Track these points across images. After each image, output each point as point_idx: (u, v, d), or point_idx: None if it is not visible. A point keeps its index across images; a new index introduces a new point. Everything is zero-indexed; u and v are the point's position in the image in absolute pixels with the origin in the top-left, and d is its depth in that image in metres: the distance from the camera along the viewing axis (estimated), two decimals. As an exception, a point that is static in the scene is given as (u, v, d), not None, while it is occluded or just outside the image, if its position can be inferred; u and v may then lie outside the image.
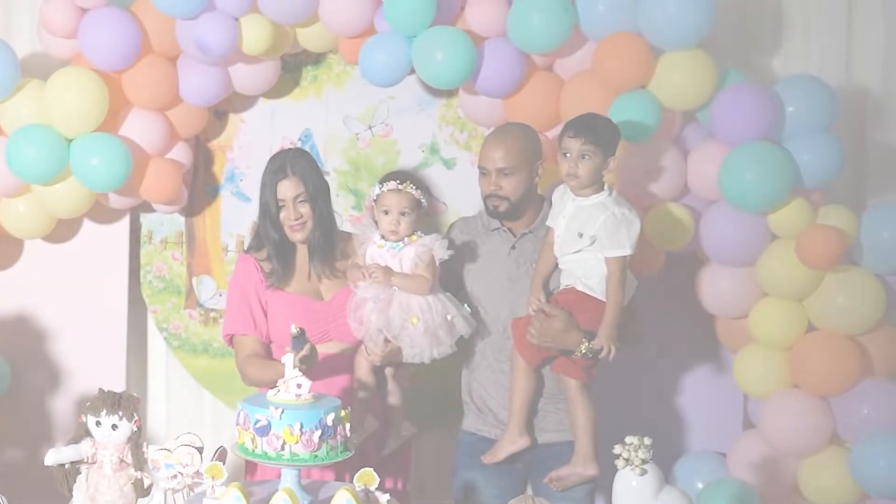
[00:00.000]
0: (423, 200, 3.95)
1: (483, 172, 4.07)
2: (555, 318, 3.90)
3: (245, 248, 4.29)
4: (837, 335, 4.36)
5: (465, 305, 4.05)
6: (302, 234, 4.04)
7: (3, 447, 4.65)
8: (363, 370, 3.99)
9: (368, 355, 3.96)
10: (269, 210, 4.03)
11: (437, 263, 3.92)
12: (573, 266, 3.94)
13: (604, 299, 3.89)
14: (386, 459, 4.04)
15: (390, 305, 3.89)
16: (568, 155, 3.88)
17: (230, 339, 4.11)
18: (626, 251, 3.85)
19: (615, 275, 3.86)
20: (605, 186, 3.92)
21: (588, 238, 3.86)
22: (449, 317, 3.92)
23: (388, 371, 4.07)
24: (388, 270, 3.91)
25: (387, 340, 3.91)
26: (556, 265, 4.01)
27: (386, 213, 3.93)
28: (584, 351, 3.90)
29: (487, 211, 4.11)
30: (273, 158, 4.09)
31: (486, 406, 4.16)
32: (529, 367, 4.01)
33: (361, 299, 3.92)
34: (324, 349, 3.95)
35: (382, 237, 3.96)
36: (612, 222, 3.85)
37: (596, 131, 3.87)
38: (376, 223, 3.99)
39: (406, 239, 3.93)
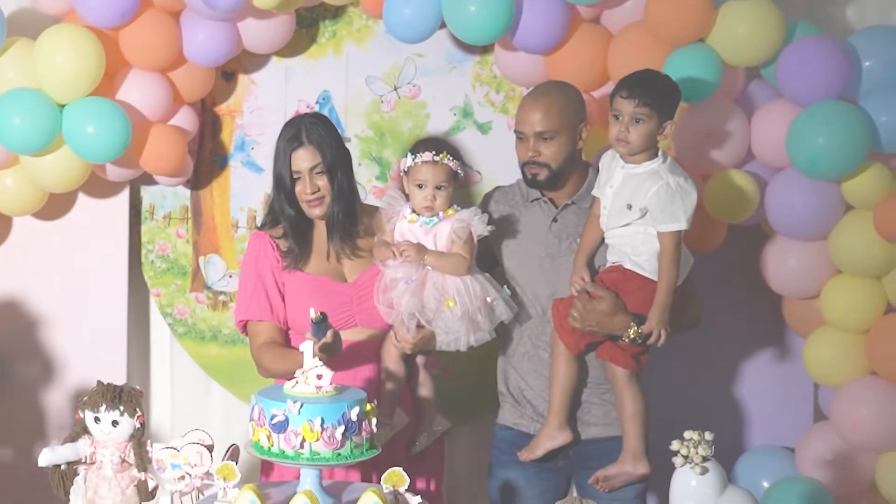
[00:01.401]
0: (460, 172, 3.93)
1: (520, 137, 4.05)
2: (600, 300, 3.88)
3: (258, 224, 4.27)
4: None
5: (505, 287, 4.03)
6: (320, 210, 4.02)
7: (-7, 446, 4.68)
8: (392, 359, 3.98)
9: (398, 342, 3.94)
10: (284, 183, 4.01)
11: (476, 240, 3.90)
12: (621, 241, 3.91)
13: (655, 278, 3.87)
14: (417, 458, 4.02)
15: (424, 287, 3.87)
16: (619, 118, 3.84)
17: (244, 326, 4.09)
18: (681, 225, 3.82)
19: (668, 251, 3.83)
20: (660, 152, 3.88)
21: (638, 210, 3.83)
22: (488, 299, 3.90)
23: (420, 360, 4.05)
24: (420, 248, 3.88)
25: (419, 326, 3.90)
26: (602, 240, 3.98)
27: (420, 187, 3.90)
28: (632, 336, 3.88)
29: (525, 180, 4.09)
30: (287, 125, 4.07)
31: (523, 397, 4.14)
32: (571, 354, 3.99)
33: (391, 280, 3.89)
34: (348, 336, 3.93)
35: (414, 211, 3.94)
36: (666, 193, 3.82)
37: (653, 91, 3.83)
38: (405, 195, 3.96)
39: (441, 213, 3.92)
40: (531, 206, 4.13)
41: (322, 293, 4.00)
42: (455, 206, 3.95)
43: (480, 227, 3.89)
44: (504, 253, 4.14)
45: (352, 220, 4.06)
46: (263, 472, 4.06)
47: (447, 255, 3.88)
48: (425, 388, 4.07)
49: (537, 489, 4.11)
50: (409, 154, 3.97)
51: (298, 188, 4.00)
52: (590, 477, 4.03)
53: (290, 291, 4.04)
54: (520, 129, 4.04)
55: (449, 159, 3.90)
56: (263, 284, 4.03)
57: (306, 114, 4.22)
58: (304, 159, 3.98)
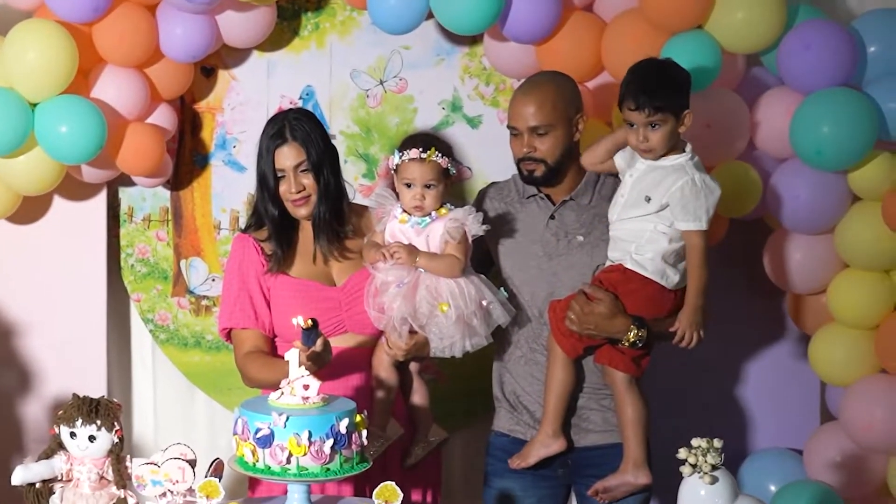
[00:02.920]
0: (451, 168, 3.86)
1: (514, 133, 4.00)
2: (598, 302, 3.82)
3: (241, 226, 4.19)
4: None
5: (502, 289, 3.97)
6: (306, 210, 3.94)
7: (-34, 461, 4.62)
8: (384, 366, 3.91)
9: (390, 349, 3.87)
10: (267, 182, 3.94)
11: (471, 241, 3.84)
12: (626, 234, 3.85)
13: (657, 279, 3.82)
14: (412, 469, 3.96)
15: (416, 291, 3.79)
16: (634, 126, 3.81)
17: (227, 334, 4.03)
18: (701, 225, 3.77)
19: (697, 249, 3.78)
20: (688, 147, 3.85)
21: (657, 204, 3.78)
22: (484, 302, 3.83)
23: (413, 367, 3.98)
24: (412, 250, 3.81)
25: (412, 332, 3.82)
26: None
27: (409, 186, 3.84)
28: (632, 339, 3.82)
29: (522, 177, 4.04)
30: (270, 121, 4.00)
31: (519, 403, 4.09)
32: (568, 358, 3.93)
33: (382, 284, 3.82)
34: (337, 342, 3.87)
35: (405, 211, 3.87)
36: (691, 190, 3.77)
37: (661, 95, 3.77)
38: (396, 193, 3.90)
39: (433, 213, 3.85)
40: (527, 202, 4.07)
41: (309, 298, 3.93)
42: (448, 204, 3.88)
43: (475, 227, 3.83)
44: (500, 252, 4.08)
45: (339, 221, 3.99)
46: (250, 487, 3.99)
47: (440, 257, 3.81)
48: (419, 397, 4.00)
49: (534, 498, 4.06)
50: (396, 151, 3.92)
51: (283, 187, 3.93)
52: (590, 486, 3.98)
53: (275, 297, 3.96)
54: (513, 125, 3.98)
55: (438, 156, 3.84)
56: (248, 290, 3.96)
57: (290, 109, 4.16)
58: (288, 157, 3.91)
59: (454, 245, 3.80)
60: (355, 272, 3.96)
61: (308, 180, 3.91)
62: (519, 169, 4.01)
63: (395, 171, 3.88)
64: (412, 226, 3.85)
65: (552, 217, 4.01)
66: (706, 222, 3.76)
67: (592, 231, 3.98)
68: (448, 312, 3.77)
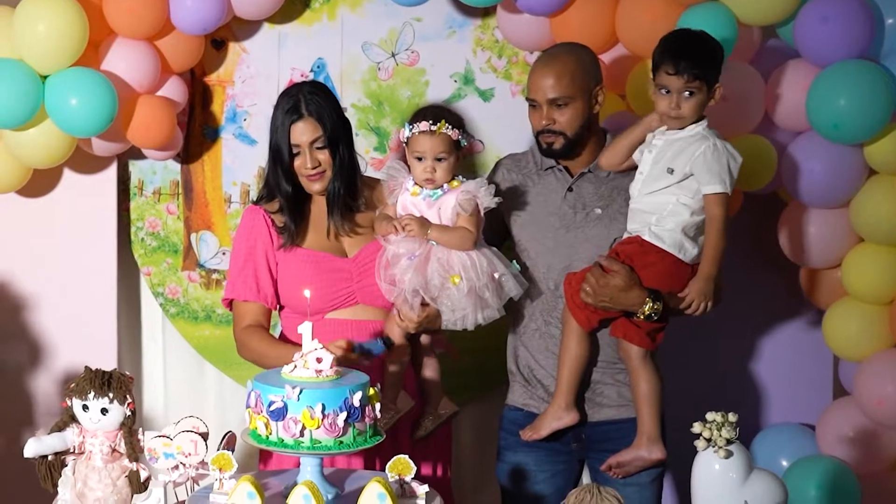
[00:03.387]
0: (462, 140, 3.84)
1: (533, 105, 3.97)
2: (614, 275, 3.79)
3: (252, 198, 4.16)
4: None
5: (514, 262, 3.95)
6: (320, 185, 3.92)
7: (-23, 435, 4.63)
8: (396, 338, 3.87)
9: (401, 321, 3.84)
10: (282, 157, 3.91)
11: (483, 213, 3.82)
12: (648, 206, 3.83)
13: (674, 252, 3.80)
14: (422, 442, 3.95)
15: (427, 263, 3.78)
16: (667, 91, 3.77)
17: (230, 304, 4.04)
18: (726, 188, 3.75)
19: (716, 217, 3.75)
20: (705, 117, 3.83)
21: (680, 173, 3.76)
22: (496, 275, 3.81)
23: (424, 339, 3.96)
24: (424, 222, 3.80)
25: (423, 304, 3.81)
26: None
27: (419, 159, 3.82)
28: (647, 312, 3.80)
29: (541, 150, 4.01)
30: (284, 95, 3.97)
31: (533, 377, 4.07)
32: (583, 331, 3.91)
33: (393, 256, 3.81)
34: (348, 314, 3.91)
35: (416, 183, 3.85)
36: (713, 154, 3.75)
37: (700, 61, 3.75)
38: (408, 166, 3.88)
39: (445, 185, 3.83)
40: (545, 174, 4.04)
41: (320, 269, 3.92)
42: (460, 177, 3.86)
43: (487, 200, 3.81)
44: (515, 224, 4.06)
45: (353, 195, 3.98)
46: (262, 460, 3.99)
47: (452, 230, 3.79)
48: (430, 370, 3.98)
49: (548, 472, 4.04)
50: (406, 124, 3.90)
51: (298, 162, 3.91)
52: (603, 461, 3.97)
53: (287, 268, 3.95)
54: (532, 97, 3.95)
55: (448, 128, 3.81)
56: (253, 262, 3.96)
57: (304, 82, 4.12)
58: (304, 132, 3.88)
59: (466, 217, 3.78)
60: (367, 244, 3.94)
61: (324, 156, 3.89)
62: (538, 141, 3.99)
63: (406, 143, 3.86)
64: (424, 198, 3.83)
65: (570, 189, 3.99)
66: (730, 186, 3.74)
67: (611, 204, 3.95)
68: (460, 285, 3.75)
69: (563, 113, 3.90)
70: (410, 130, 3.83)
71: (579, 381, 3.94)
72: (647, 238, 3.80)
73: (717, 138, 3.77)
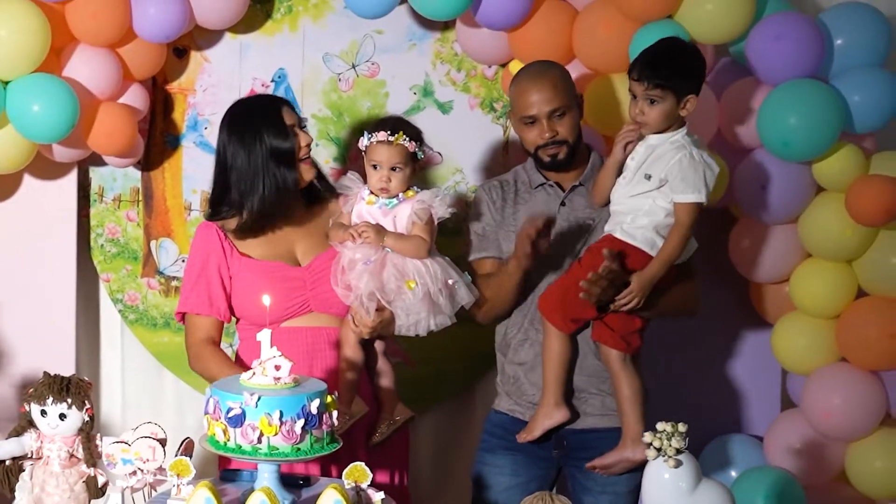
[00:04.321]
0: (418, 153, 3.84)
1: (528, 122, 3.95)
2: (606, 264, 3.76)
3: (206, 215, 4.11)
4: (890, 301, 4.34)
5: (466, 273, 3.94)
6: (313, 171, 3.94)
7: (-66, 439, 4.58)
8: (349, 344, 3.88)
9: (356, 327, 3.84)
10: (281, 145, 3.85)
11: (437, 223, 3.83)
12: (624, 208, 3.84)
13: (644, 248, 3.80)
14: (379, 449, 3.94)
15: (384, 268, 3.78)
16: (635, 98, 3.80)
17: (182, 317, 4.01)
18: (700, 197, 3.76)
19: (682, 224, 3.76)
20: (685, 124, 3.84)
21: (657, 180, 3.77)
22: (450, 282, 3.82)
23: (379, 346, 3.97)
24: (380, 229, 3.80)
25: (378, 309, 3.80)
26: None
27: (375, 167, 3.83)
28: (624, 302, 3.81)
29: (542, 164, 4.00)
30: (244, 104, 3.99)
31: (520, 388, 4.06)
32: (563, 333, 3.91)
33: (349, 262, 3.80)
34: (302, 322, 3.90)
35: (372, 192, 3.85)
36: (689, 162, 3.76)
37: (664, 72, 3.75)
38: (364, 176, 3.88)
39: (401, 195, 3.84)
40: (535, 192, 4.04)
41: (275, 278, 3.90)
42: (415, 187, 3.87)
43: (442, 210, 3.82)
44: (508, 240, 4.03)
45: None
46: (221, 464, 3.92)
47: (407, 238, 3.80)
48: (385, 376, 3.98)
49: (524, 478, 4.02)
50: (365, 133, 3.89)
51: (303, 142, 3.89)
52: (582, 468, 3.97)
53: (241, 279, 3.93)
54: (527, 114, 3.93)
55: (405, 140, 3.81)
56: (206, 277, 3.93)
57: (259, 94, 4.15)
58: (291, 115, 3.91)
59: (421, 226, 3.79)
60: (320, 253, 3.94)
61: (308, 135, 3.93)
62: (537, 157, 3.97)
63: (364, 152, 3.86)
64: (379, 207, 3.83)
65: (563, 204, 4.00)
66: (705, 196, 3.75)
67: (601, 213, 3.95)
68: (415, 290, 3.75)
69: (562, 123, 3.91)
70: (368, 139, 3.83)
71: (565, 380, 3.93)
72: (618, 236, 3.81)
73: (694, 147, 3.78)
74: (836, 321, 4.38)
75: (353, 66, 4.72)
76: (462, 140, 4.69)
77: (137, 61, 4.46)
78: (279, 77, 4.69)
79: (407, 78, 4.72)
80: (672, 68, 3.75)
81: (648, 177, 3.77)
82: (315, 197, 4.00)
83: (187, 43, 4.65)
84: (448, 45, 4.71)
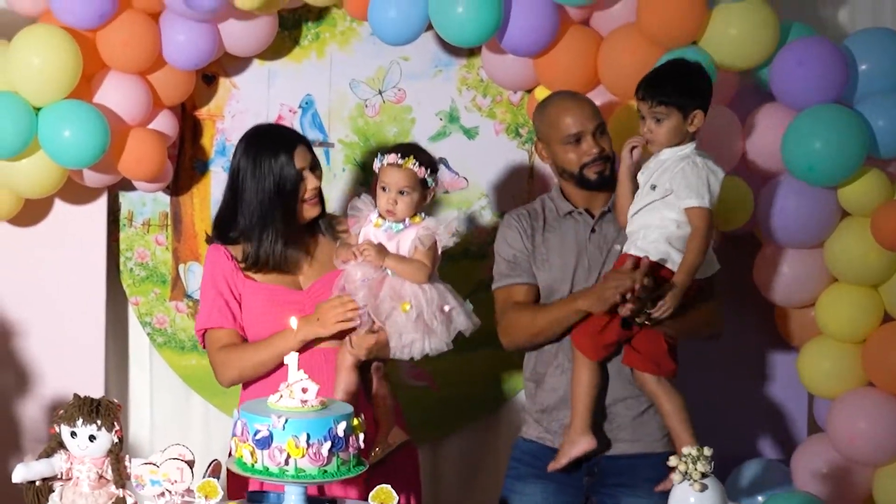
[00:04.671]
0: (428, 180, 3.85)
1: (572, 141, 3.95)
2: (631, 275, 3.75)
3: (210, 238, 4.13)
4: None
5: (468, 301, 3.93)
6: (318, 208, 3.97)
7: (-34, 460, 4.58)
8: (346, 368, 3.87)
9: (352, 348, 3.84)
10: (285, 187, 3.88)
11: (440, 251, 3.84)
12: (636, 227, 3.85)
13: (659, 261, 3.80)
14: (389, 471, 3.86)
15: (381, 286, 3.80)
16: (644, 117, 3.85)
17: (203, 336, 4.01)
18: (704, 202, 3.77)
19: (698, 229, 3.77)
20: (695, 139, 3.87)
21: (662, 190, 3.80)
22: (446, 308, 3.81)
23: (375, 369, 3.94)
24: (381, 249, 3.82)
25: (373, 330, 3.81)
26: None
27: (384, 189, 3.85)
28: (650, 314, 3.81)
29: (588, 184, 3.99)
30: (258, 137, 4.00)
31: (549, 414, 4.04)
32: (592, 361, 3.91)
33: (349, 279, 3.83)
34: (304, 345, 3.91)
35: (380, 215, 3.87)
36: (692, 169, 3.79)
37: (665, 89, 3.80)
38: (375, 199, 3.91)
39: (407, 220, 3.85)
40: (564, 220, 4.04)
41: (276, 302, 3.93)
42: (423, 214, 3.87)
43: (446, 238, 3.83)
44: (542, 270, 4.03)
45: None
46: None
47: (408, 261, 3.81)
48: (381, 398, 3.95)
49: None
50: (379, 154, 3.91)
51: (310, 186, 3.92)
52: (611, 494, 3.96)
53: (247, 301, 3.97)
54: (574, 132, 3.95)
55: (415, 164, 3.82)
56: (223, 294, 3.96)
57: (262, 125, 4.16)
58: (304, 156, 3.93)
59: (423, 252, 3.80)
60: (321, 277, 3.96)
61: (317, 179, 3.95)
62: (583, 177, 3.97)
63: (377, 173, 3.88)
64: (385, 230, 3.84)
65: (593, 230, 3.99)
66: (708, 200, 3.76)
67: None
68: (409, 312, 3.76)
69: (605, 139, 3.96)
70: (381, 161, 3.86)
71: (593, 409, 3.90)
72: (633, 252, 3.82)
73: (699, 156, 3.81)
74: (862, 346, 4.36)
75: (380, 92, 4.73)
76: (487, 165, 4.71)
77: (167, 88, 4.49)
78: (307, 103, 4.71)
79: (433, 104, 4.74)
80: (674, 86, 3.80)
81: (654, 187, 3.80)
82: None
83: (216, 70, 4.68)
84: (474, 71, 4.72)
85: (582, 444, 3.87)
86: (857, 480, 4.44)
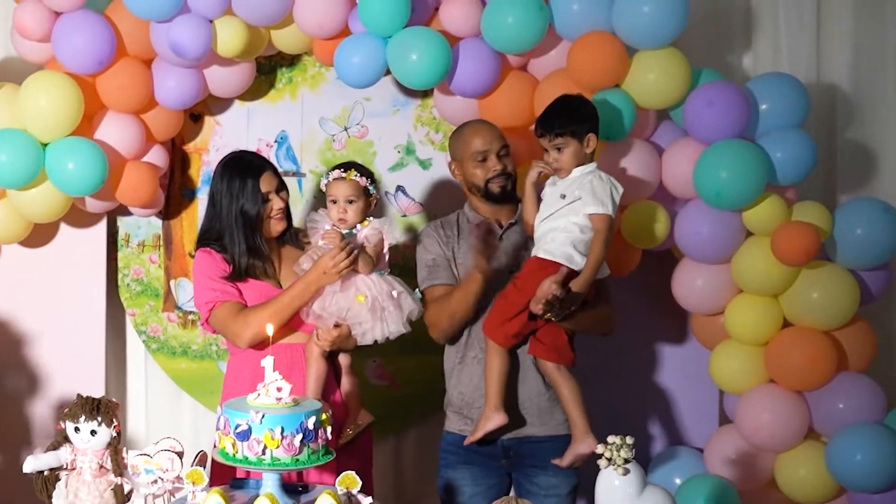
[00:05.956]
0: (370, 188, 3.91)
1: (480, 159, 4.02)
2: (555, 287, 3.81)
3: (197, 245, 4.12)
4: (812, 330, 4.33)
5: (417, 291, 3.99)
6: (283, 224, 4.01)
7: (-18, 453, 4.58)
8: (315, 357, 3.92)
9: (318, 340, 3.89)
10: (248, 212, 3.93)
11: (387, 247, 3.91)
12: (543, 233, 3.89)
13: (562, 262, 3.82)
14: (348, 450, 3.92)
15: (338, 287, 3.87)
16: (547, 150, 3.90)
17: (209, 316, 3.97)
18: (607, 210, 3.82)
19: (600, 231, 3.82)
20: (594, 160, 3.93)
21: (571, 197, 3.85)
22: (395, 293, 3.87)
23: (343, 360, 4.00)
24: (340, 234, 3.89)
25: (336, 325, 3.86)
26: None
27: (334, 202, 3.91)
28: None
29: (492, 196, 4.05)
30: (234, 160, 4.03)
31: (468, 405, 4.06)
32: (502, 347, 3.94)
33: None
34: (289, 339, 3.96)
35: (334, 225, 3.92)
36: (598, 182, 3.86)
37: (556, 122, 3.88)
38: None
39: (358, 226, 3.92)
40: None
41: (261, 297, 3.95)
42: (370, 217, 3.93)
43: (397, 233, 3.93)
44: (460, 271, 4.08)
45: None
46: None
47: (360, 253, 3.88)
48: (350, 386, 4.00)
49: (483, 486, 4.03)
50: (324, 173, 3.96)
51: (274, 207, 3.96)
52: (525, 474, 4.00)
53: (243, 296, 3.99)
54: (479, 150, 4.02)
55: (356, 175, 3.89)
56: (220, 280, 3.96)
57: (239, 151, 4.18)
58: (270, 181, 3.97)
59: (370, 248, 3.87)
60: (296, 277, 3.96)
61: (283, 198, 3.99)
62: (487, 190, 4.03)
63: (325, 190, 3.93)
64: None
65: (500, 239, 4.02)
66: (611, 209, 3.81)
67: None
68: (365, 301, 3.82)
69: (508, 159, 4.02)
70: (326, 178, 3.92)
71: (504, 390, 3.93)
72: (540, 255, 3.85)
73: (602, 172, 3.87)
74: (765, 348, 4.38)
75: (346, 129, 4.75)
76: (439, 191, 4.73)
77: (158, 125, 4.50)
78: (281, 138, 4.72)
79: (392, 138, 4.76)
80: (565, 118, 3.86)
81: (563, 196, 3.84)
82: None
83: (202, 109, 4.69)
84: (427, 110, 4.75)
85: (495, 419, 3.91)
86: (762, 465, 4.45)
